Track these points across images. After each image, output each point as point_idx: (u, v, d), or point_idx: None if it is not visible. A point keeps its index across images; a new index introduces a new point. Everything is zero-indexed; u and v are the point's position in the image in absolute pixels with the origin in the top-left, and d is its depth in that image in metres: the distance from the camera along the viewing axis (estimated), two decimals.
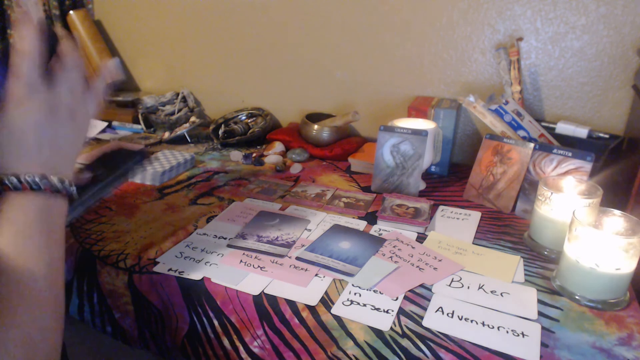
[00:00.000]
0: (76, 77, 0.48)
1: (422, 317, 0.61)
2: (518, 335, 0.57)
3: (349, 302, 0.63)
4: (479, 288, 0.66)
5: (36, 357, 0.39)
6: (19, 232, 0.42)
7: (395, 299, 0.64)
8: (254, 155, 1.18)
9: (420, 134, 0.95)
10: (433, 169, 1.12)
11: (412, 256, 0.74)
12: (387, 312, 0.61)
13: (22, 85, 0.44)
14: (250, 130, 1.32)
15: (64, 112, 0.46)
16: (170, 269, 0.70)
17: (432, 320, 0.60)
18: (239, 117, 1.40)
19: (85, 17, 1.50)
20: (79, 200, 0.48)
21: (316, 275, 0.69)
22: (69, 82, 0.47)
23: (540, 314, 0.61)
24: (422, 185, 1.03)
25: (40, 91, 0.45)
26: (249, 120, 1.39)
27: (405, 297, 0.64)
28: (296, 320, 0.61)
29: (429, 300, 0.64)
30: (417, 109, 1.10)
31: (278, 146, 1.23)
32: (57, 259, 0.44)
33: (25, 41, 0.44)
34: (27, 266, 0.41)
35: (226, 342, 0.66)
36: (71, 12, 1.48)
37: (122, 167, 0.67)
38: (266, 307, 0.63)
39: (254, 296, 0.64)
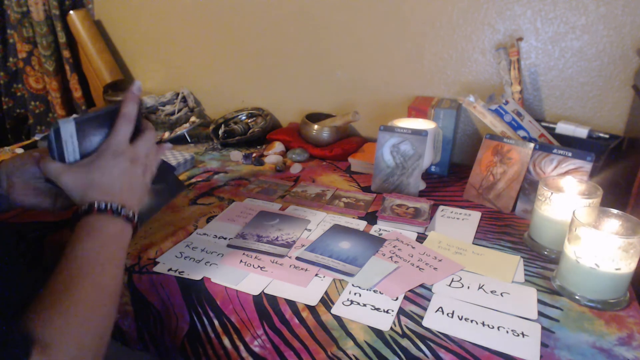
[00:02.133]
0: (151, 143, 0.63)
1: (422, 317, 0.61)
2: (518, 335, 0.57)
3: (349, 302, 0.63)
4: (479, 288, 0.66)
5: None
6: (98, 241, 0.53)
7: (395, 299, 0.64)
8: (254, 155, 1.18)
9: (420, 134, 0.95)
10: (433, 169, 1.12)
11: (412, 256, 0.74)
12: (387, 312, 0.61)
13: (121, 142, 0.59)
14: (250, 130, 1.32)
15: (140, 166, 0.60)
16: (170, 269, 0.70)
17: (432, 320, 0.60)
18: (239, 117, 1.40)
19: (85, 17, 1.50)
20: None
21: (316, 275, 0.69)
22: (146, 146, 0.62)
23: (540, 314, 0.61)
24: (422, 185, 1.03)
25: (129, 148, 0.60)
26: (249, 120, 1.39)
27: (405, 297, 0.64)
28: (296, 320, 0.61)
29: (429, 300, 0.64)
30: (417, 109, 1.10)
31: (278, 146, 1.23)
32: (121, 271, 0.55)
33: (130, 112, 0.60)
34: (105, 268, 0.52)
35: (226, 342, 0.66)
36: (71, 12, 1.49)
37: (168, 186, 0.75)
38: (266, 307, 0.63)
39: (254, 296, 0.64)
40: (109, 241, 0.54)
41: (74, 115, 0.65)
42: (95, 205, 0.55)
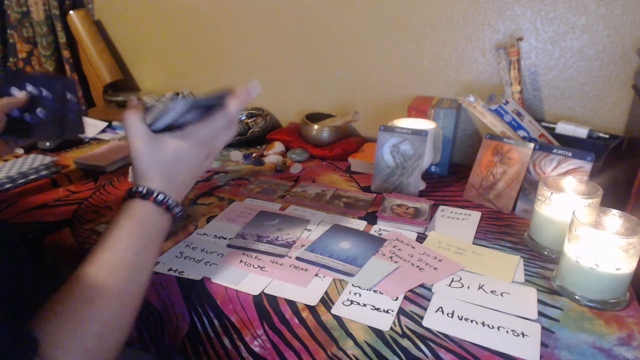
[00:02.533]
0: (229, 138, 0.61)
1: (422, 317, 0.61)
2: (518, 335, 0.57)
3: (349, 302, 0.63)
4: (479, 288, 0.66)
5: (105, 348, 0.47)
6: (134, 229, 0.52)
7: (395, 299, 0.64)
8: (254, 155, 1.18)
9: (420, 134, 0.95)
10: (433, 169, 1.12)
11: (412, 256, 0.74)
12: (387, 312, 0.61)
13: (210, 135, 0.58)
14: (250, 130, 1.32)
15: (210, 160, 0.60)
16: (170, 269, 0.70)
17: (432, 320, 0.60)
18: (239, 117, 1.40)
19: (85, 17, 1.50)
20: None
21: (316, 275, 0.69)
22: (225, 140, 0.60)
23: (540, 314, 0.61)
24: (422, 185, 1.03)
25: (211, 142, 0.59)
26: (249, 120, 1.39)
27: (405, 297, 0.64)
28: (296, 320, 0.61)
29: (429, 300, 0.64)
30: (417, 109, 1.10)
31: (278, 146, 1.23)
32: (151, 264, 0.54)
33: (233, 112, 0.59)
34: (141, 270, 0.52)
35: (227, 342, 0.66)
36: (71, 12, 1.49)
37: None
38: (266, 307, 0.63)
39: (254, 296, 0.64)
40: (143, 227, 0.53)
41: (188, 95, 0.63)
42: (140, 189, 0.54)
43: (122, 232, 0.52)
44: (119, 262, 0.50)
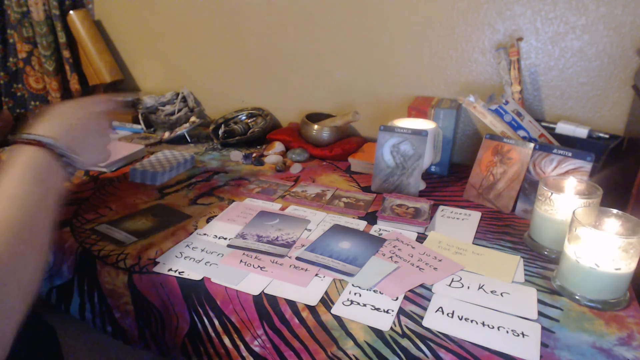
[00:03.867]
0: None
1: (422, 317, 0.61)
2: (518, 335, 0.57)
3: (349, 302, 0.63)
4: (479, 288, 0.67)
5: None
6: (20, 170, 0.53)
7: (395, 299, 0.64)
8: (254, 155, 1.18)
9: (420, 134, 0.95)
10: (433, 169, 1.12)
11: (412, 256, 0.74)
12: (387, 312, 0.61)
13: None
14: (250, 130, 1.32)
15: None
16: (170, 269, 0.70)
17: (432, 320, 0.60)
18: (239, 117, 1.40)
19: (85, 17, 1.50)
20: None
21: (316, 275, 0.69)
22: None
23: (540, 314, 0.61)
24: (422, 185, 1.03)
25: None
26: (249, 120, 1.39)
27: (405, 297, 0.64)
28: (296, 320, 0.61)
29: (429, 300, 0.64)
30: (417, 109, 1.10)
31: (278, 146, 1.23)
32: (47, 211, 0.53)
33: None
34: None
35: (227, 341, 0.66)
36: (71, 12, 1.48)
37: None
38: (266, 307, 0.63)
39: (254, 296, 0.64)
40: (29, 169, 0.54)
41: None
42: (24, 136, 0.57)
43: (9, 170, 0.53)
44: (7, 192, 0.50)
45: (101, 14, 1.58)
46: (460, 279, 0.69)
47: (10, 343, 0.42)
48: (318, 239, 0.78)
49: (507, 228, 0.85)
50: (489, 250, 0.77)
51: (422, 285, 0.67)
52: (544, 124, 1.05)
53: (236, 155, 1.19)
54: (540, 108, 1.12)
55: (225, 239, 0.79)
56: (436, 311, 0.62)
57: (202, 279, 0.68)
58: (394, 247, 0.77)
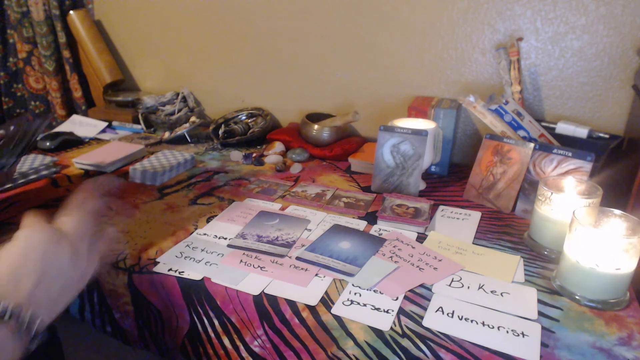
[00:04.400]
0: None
1: (422, 317, 0.61)
2: (518, 335, 0.57)
3: (349, 302, 0.63)
4: (479, 288, 0.66)
5: None
6: None
7: (395, 299, 0.64)
8: (254, 155, 1.18)
9: (420, 134, 0.95)
10: (433, 169, 1.12)
11: (412, 256, 0.74)
12: (387, 312, 0.61)
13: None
14: (250, 130, 1.32)
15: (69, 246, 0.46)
16: (170, 269, 0.70)
17: (432, 320, 0.60)
18: (239, 117, 1.40)
19: (85, 17, 1.50)
20: None
21: (316, 275, 0.69)
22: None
23: (540, 314, 0.61)
24: (422, 185, 1.03)
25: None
26: (249, 120, 1.39)
27: (405, 297, 0.64)
28: (296, 320, 0.61)
29: (429, 300, 0.64)
30: (417, 109, 1.10)
31: (278, 146, 1.23)
32: None
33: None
34: None
35: (227, 341, 0.66)
36: (71, 12, 1.49)
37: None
38: (266, 307, 0.63)
39: (254, 296, 0.64)
40: None
41: None
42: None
43: None
44: None
45: (101, 14, 1.58)
46: (460, 278, 0.69)
47: None
48: (318, 239, 0.78)
49: (507, 228, 0.85)
50: (489, 250, 0.77)
51: (422, 285, 0.67)
52: (544, 124, 1.05)
53: (236, 155, 1.19)
54: (540, 108, 1.12)
55: (225, 239, 0.79)
56: (436, 311, 0.62)
57: (202, 279, 0.68)
58: (394, 247, 0.77)
